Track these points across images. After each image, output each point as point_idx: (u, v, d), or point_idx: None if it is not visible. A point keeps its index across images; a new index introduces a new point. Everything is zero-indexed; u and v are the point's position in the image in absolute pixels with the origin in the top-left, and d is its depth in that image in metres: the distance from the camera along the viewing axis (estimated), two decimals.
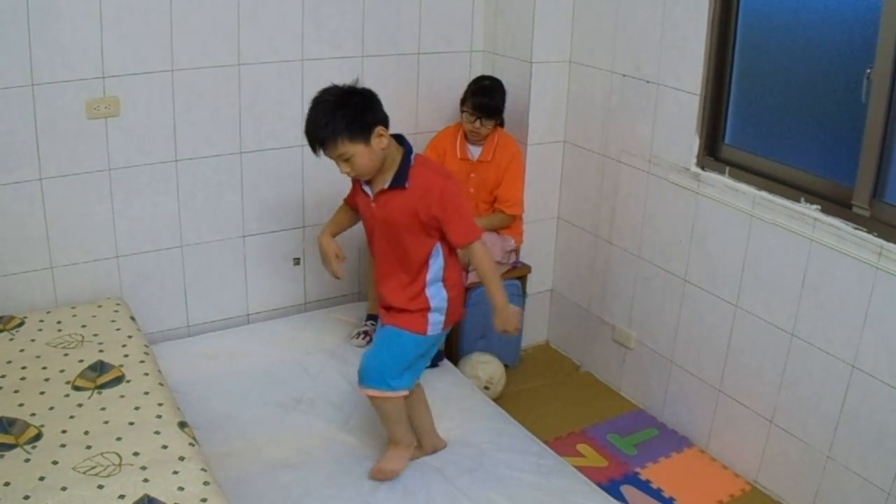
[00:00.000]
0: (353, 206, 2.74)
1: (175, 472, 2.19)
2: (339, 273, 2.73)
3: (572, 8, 3.57)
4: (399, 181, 2.48)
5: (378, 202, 2.53)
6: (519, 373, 3.80)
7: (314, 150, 2.43)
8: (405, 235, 2.52)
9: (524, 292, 3.80)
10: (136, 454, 2.25)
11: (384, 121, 2.46)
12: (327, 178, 3.64)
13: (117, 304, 3.12)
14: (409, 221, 2.49)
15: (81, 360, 2.70)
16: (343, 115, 2.37)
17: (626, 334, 3.59)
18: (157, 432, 2.36)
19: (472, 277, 3.54)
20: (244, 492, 2.58)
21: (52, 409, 2.44)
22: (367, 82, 3.55)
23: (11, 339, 2.81)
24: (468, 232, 2.52)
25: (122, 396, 2.53)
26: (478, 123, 3.45)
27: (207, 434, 2.78)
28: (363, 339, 3.50)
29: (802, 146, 2.88)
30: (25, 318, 2.96)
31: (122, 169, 3.18)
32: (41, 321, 2.95)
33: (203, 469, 2.24)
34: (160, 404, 2.51)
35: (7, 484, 2.09)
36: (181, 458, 2.26)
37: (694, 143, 3.13)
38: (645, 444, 3.32)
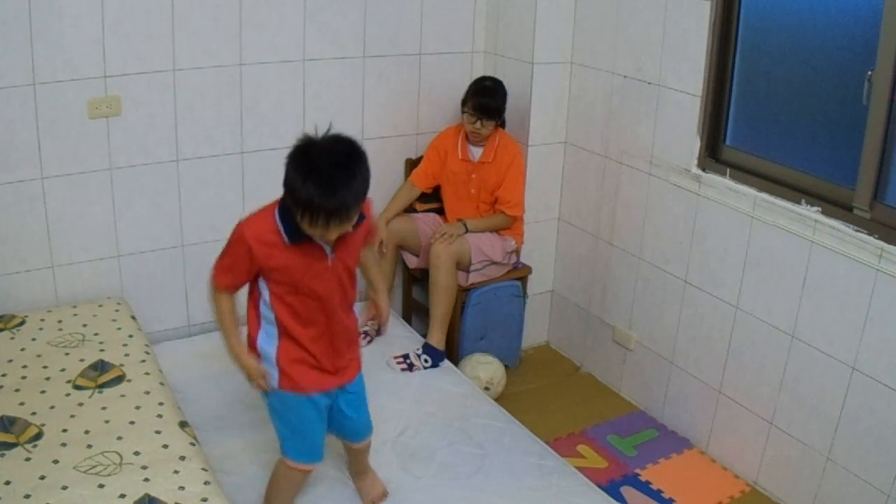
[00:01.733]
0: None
1: (176, 472, 2.19)
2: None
3: (574, 9, 3.57)
4: (360, 217, 2.17)
5: (337, 253, 2.20)
6: (519, 373, 3.81)
7: (325, 221, 2.03)
8: (352, 276, 2.31)
9: (524, 293, 3.80)
10: (136, 453, 2.25)
11: None
12: None
13: (118, 304, 3.12)
14: (357, 257, 2.30)
15: (82, 360, 2.70)
16: (361, 183, 2.07)
17: (627, 335, 3.59)
18: (157, 432, 2.37)
19: (472, 278, 3.55)
20: (244, 492, 2.58)
21: (52, 408, 2.44)
22: (369, 82, 3.61)
23: (12, 338, 2.82)
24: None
25: (122, 396, 2.53)
26: (479, 124, 3.45)
27: (208, 434, 2.78)
28: (363, 339, 3.50)
29: (803, 148, 2.88)
30: (26, 317, 2.96)
31: (124, 168, 3.18)
32: (42, 320, 2.95)
33: (204, 469, 2.24)
34: (161, 404, 2.51)
35: (8, 483, 2.10)
36: (182, 458, 2.26)
37: (695, 145, 3.13)
38: (645, 445, 3.32)
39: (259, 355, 2.28)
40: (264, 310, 2.26)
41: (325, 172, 2.01)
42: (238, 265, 2.19)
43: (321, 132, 2.10)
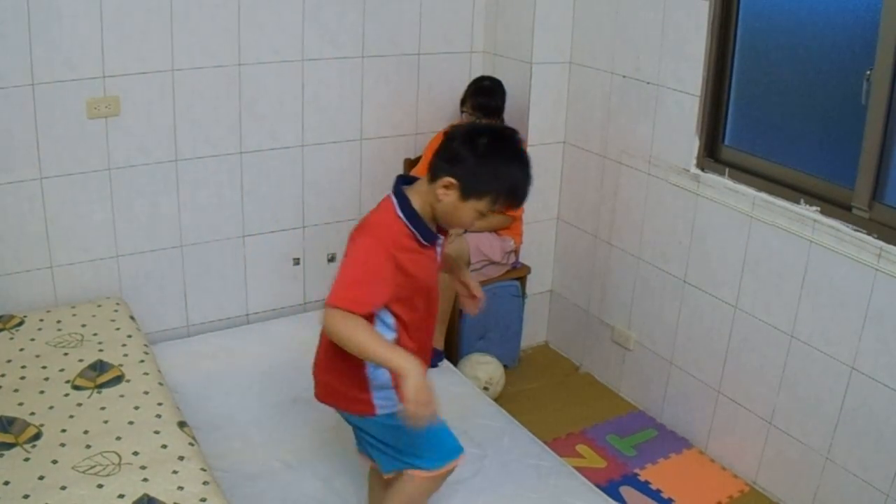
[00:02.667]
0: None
1: (174, 472, 2.19)
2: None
3: (573, 9, 3.57)
4: None
5: (442, 254, 2.20)
6: (518, 373, 3.80)
7: (520, 203, 2.09)
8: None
9: (523, 293, 3.80)
10: (135, 454, 2.25)
11: None
12: (327, 179, 3.65)
13: (117, 304, 3.12)
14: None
15: (81, 360, 2.70)
16: None
17: (626, 335, 3.59)
18: (156, 432, 2.36)
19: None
20: (243, 492, 2.58)
21: (51, 408, 2.44)
22: (368, 82, 3.61)
23: (11, 339, 2.81)
24: None
25: (121, 396, 2.53)
26: None
27: (206, 434, 2.78)
28: None
29: (802, 148, 2.88)
30: (25, 317, 2.96)
31: (123, 169, 3.18)
32: (41, 320, 2.94)
33: (202, 469, 2.24)
34: (160, 404, 2.51)
35: (6, 483, 2.09)
36: (181, 458, 2.26)
37: (694, 145, 3.13)
38: (644, 444, 3.32)
39: (369, 382, 2.13)
40: (383, 331, 2.08)
41: (524, 156, 2.06)
42: (382, 278, 1.99)
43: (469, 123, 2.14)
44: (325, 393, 2.21)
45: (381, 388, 2.13)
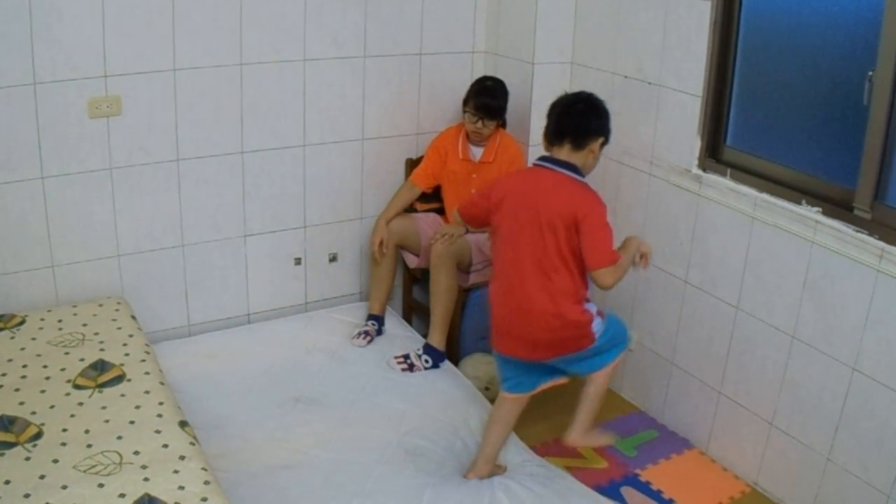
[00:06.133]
0: None
1: (175, 472, 2.19)
2: None
3: (574, 9, 3.57)
4: None
5: None
6: None
7: None
8: None
9: None
10: (136, 453, 2.25)
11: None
12: (328, 179, 3.65)
13: (118, 303, 3.12)
14: None
15: (82, 359, 2.70)
16: None
17: (627, 336, 3.58)
18: (157, 431, 2.36)
19: (472, 279, 3.55)
20: (243, 492, 2.57)
21: (52, 407, 2.44)
22: (370, 82, 3.61)
23: (12, 338, 2.82)
24: None
25: (122, 395, 2.53)
26: (480, 124, 3.45)
27: (207, 433, 2.78)
28: (364, 339, 3.50)
29: (804, 148, 2.88)
30: (26, 316, 2.96)
31: (124, 168, 3.18)
32: (42, 320, 2.95)
33: (203, 468, 2.24)
34: (161, 403, 2.51)
35: (7, 482, 2.10)
36: (182, 458, 2.26)
37: (695, 145, 3.13)
38: (645, 445, 3.31)
39: (593, 317, 2.67)
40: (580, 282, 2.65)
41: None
42: None
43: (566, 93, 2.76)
44: (555, 347, 2.67)
45: (593, 321, 2.66)
